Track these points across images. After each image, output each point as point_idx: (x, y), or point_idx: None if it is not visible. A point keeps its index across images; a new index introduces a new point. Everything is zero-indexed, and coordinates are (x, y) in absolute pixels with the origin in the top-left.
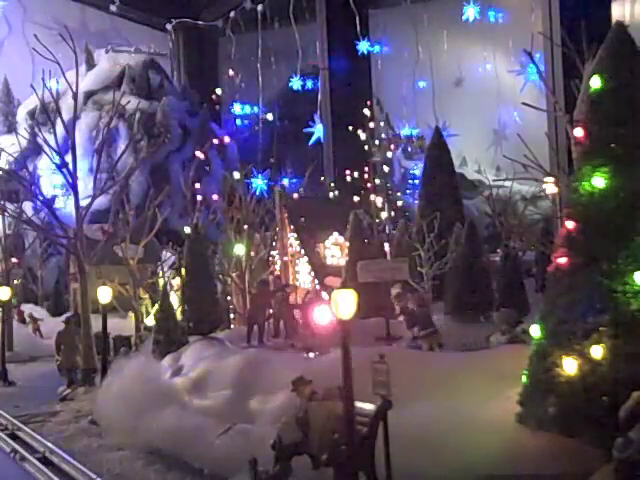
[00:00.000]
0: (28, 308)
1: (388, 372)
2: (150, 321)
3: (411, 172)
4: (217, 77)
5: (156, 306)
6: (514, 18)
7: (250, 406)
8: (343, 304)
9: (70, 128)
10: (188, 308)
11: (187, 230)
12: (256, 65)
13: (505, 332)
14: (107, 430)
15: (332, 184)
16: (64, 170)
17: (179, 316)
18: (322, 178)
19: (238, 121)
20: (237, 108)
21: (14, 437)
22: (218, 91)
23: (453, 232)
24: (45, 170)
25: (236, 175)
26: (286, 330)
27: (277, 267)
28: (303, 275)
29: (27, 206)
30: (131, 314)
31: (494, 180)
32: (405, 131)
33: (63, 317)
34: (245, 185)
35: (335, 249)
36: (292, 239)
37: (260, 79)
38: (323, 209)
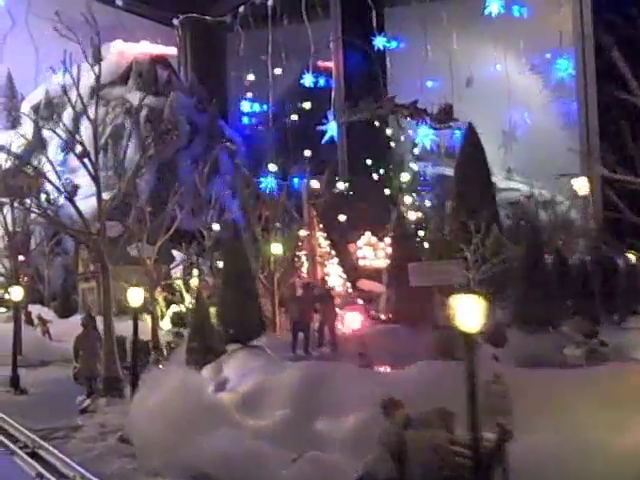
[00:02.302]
0: (35, 309)
1: (507, 395)
2: (166, 324)
3: (423, 173)
4: (224, 74)
5: (172, 309)
6: (538, 13)
7: (315, 429)
8: (468, 313)
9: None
10: (226, 313)
11: (216, 227)
12: (265, 62)
13: (580, 345)
14: (142, 450)
15: (347, 183)
16: (86, 160)
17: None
18: (336, 177)
19: (245, 119)
20: (246, 106)
21: (35, 456)
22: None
23: (491, 234)
24: (48, 166)
25: (273, 167)
26: (331, 338)
27: (304, 269)
28: (333, 277)
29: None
30: (145, 317)
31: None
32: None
33: (73, 319)
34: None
35: (368, 250)
36: (321, 239)
37: (271, 76)
38: (354, 208)
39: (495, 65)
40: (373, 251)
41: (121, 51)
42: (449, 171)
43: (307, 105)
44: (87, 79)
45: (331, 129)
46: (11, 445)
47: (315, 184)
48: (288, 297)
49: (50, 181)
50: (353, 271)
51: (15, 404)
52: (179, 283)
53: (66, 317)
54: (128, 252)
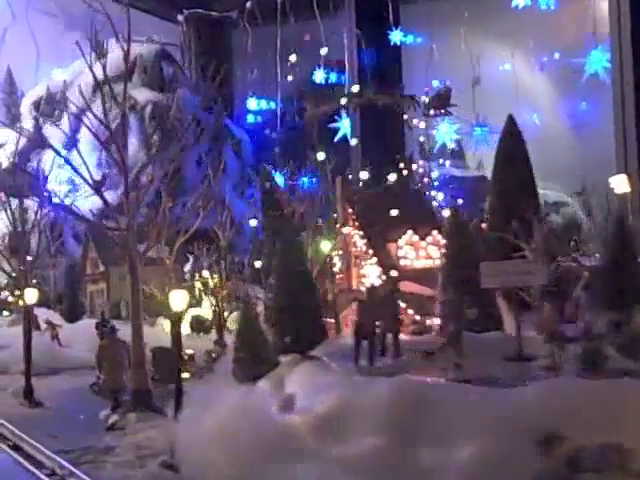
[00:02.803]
0: (41, 312)
1: None
2: (185, 329)
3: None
4: (230, 71)
5: (190, 312)
6: (565, 5)
7: (420, 462)
8: None
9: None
10: (281, 318)
11: (253, 223)
12: (272, 58)
13: None
14: None
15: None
16: (112, 147)
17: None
18: (349, 176)
19: (250, 117)
20: (252, 103)
21: None
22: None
23: (539, 232)
24: (49, 164)
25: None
26: (395, 347)
27: (336, 269)
28: (371, 279)
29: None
30: (163, 321)
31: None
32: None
33: (82, 323)
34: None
35: (409, 249)
36: (357, 237)
37: (279, 72)
38: (392, 204)
39: (510, 62)
40: (414, 251)
41: (125, 46)
42: (457, 172)
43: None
44: (89, 76)
45: (344, 127)
46: (37, 472)
47: (364, 175)
48: (348, 300)
49: (80, 173)
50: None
51: (31, 419)
52: (199, 285)
53: (73, 321)
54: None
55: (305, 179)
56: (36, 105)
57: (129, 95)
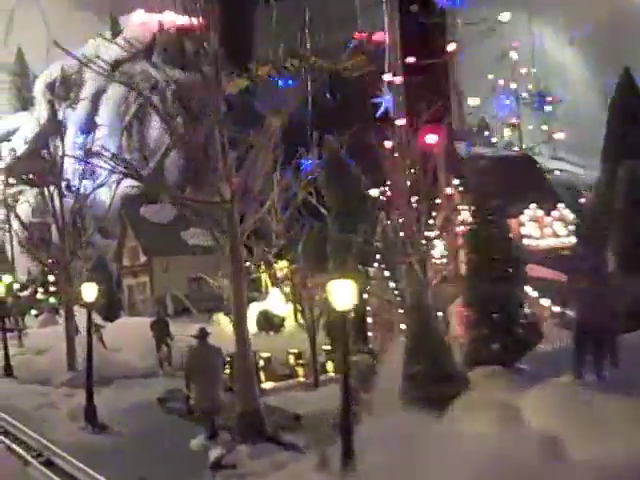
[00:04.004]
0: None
1: None
2: (251, 327)
3: None
4: (253, 49)
5: (254, 307)
6: None
7: None
8: None
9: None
10: (482, 319)
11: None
12: (297, 34)
13: None
14: None
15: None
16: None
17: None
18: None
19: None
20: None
21: None
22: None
23: None
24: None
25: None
26: (612, 350)
27: (435, 252)
28: None
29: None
30: (219, 317)
31: None
32: None
33: (122, 322)
34: None
35: (533, 227)
36: (466, 213)
37: (308, 47)
38: (508, 173)
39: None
40: (539, 229)
41: (143, 22)
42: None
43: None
44: (106, 53)
45: (386, 100)
46: None
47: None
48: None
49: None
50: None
51: (102, 451)
52: (264, 276)
53: (112, 320)
54: (185, 240)
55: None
56: (50, 87)
57: (150, 74)
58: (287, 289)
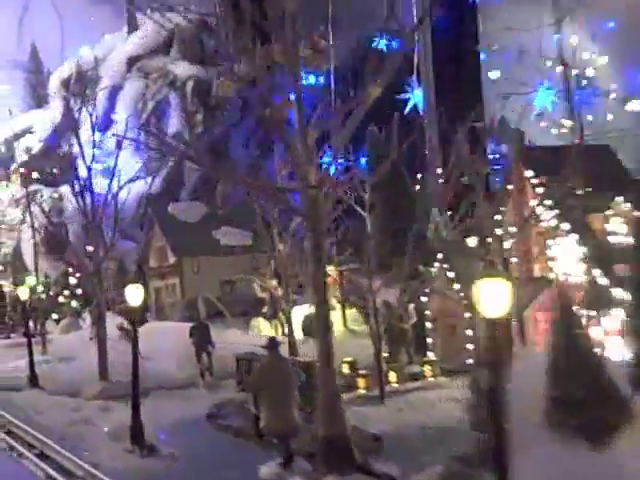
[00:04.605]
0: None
1: None
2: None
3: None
4: (271, 42)
5: (298, 310)
6: None
7: None
8: None
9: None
10: None
11: None
12: (319, 28)
13: None
14: None
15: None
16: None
17: None
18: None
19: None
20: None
21: None
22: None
23: None
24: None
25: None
26: None
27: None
28: (566, 262)
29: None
30: (259, 321)
31: None
32: None
33: (151, 327)
34: None
35: (618, 222)
36: (540, 209)
37: (331, 40)
38: (584, 164)
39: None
40: (626, 224)
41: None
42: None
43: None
44: (123, 50)
45: (416, 97)
46: None
47: None
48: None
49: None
50: (603, 253)
51: (154, 479)
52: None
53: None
54: (217, 239)
55: (363, 159)
56: (65, 84)
57: (168, 70)
58: (334, 292)
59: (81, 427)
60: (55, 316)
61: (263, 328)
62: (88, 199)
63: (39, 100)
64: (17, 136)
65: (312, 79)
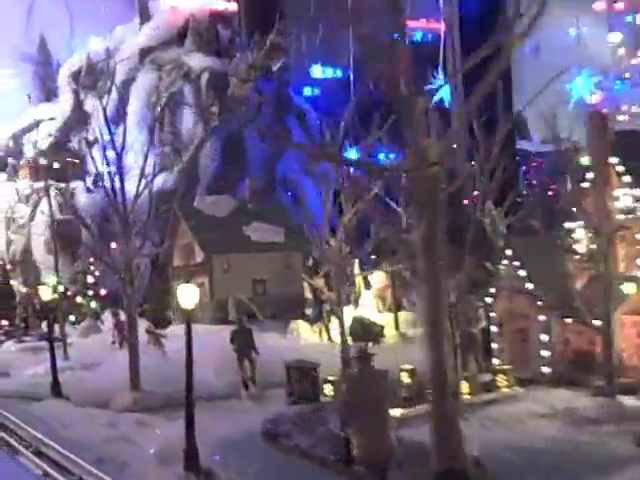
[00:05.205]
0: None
1: None
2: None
3: None
4: (286, 35)
5: (346, 313)
6: None
7: None
8: None
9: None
10: None
11: None
12: (334, 20)
13: None
14: None
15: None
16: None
17: None
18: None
19: (307, 90)
20: (317, 71)
21: None
22: None
23: None
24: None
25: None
26: None
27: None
28: None
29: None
30: (298, 324)
31: None
32: None
33: (179, 330)
34: None
35: None
36: (627, 200)
37: (350, 33)
38: None
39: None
40: None
41: (174, 7)
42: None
43: None
44: (135, 41)
45: (442, 91)
46: None
47: None
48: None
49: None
50: None
51: None
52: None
53: (163, 327)
54: (247, 236)
55: (382, 155)
56: (75, 76)
57: (182, 62)
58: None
59: (120, 446)
60: (72, 318)
61: (303, 331)
62: (119, 191)
63: (48, 93)
64: (25, 130)
65: None
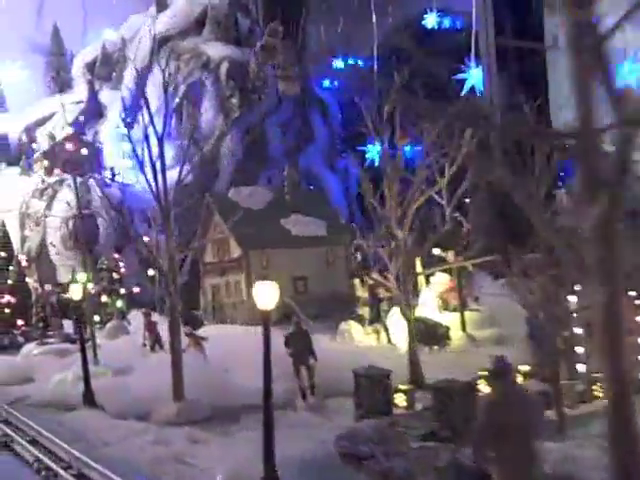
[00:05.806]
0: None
1: None
2: (400, 341)
3: None
4: (305, 25)
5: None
6: None
7: None
8: None
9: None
10: None
11: None
12: (351, 11)
13: None
14: None
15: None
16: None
17: None
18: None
19: (325, 82)
20: (338, 62)
21: None
22: None
23: None
24: (107, 136)
25: None
26: None
27: None
28: None
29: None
30: (351, 324)
31: None
32: None
33: (215, 331)
34: None
35: None
36: None
37: (375, 21)
38: None
39: None
40: None
41: None
42: None
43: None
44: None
45: (473, 77)
46: None
47: None
48: None
49: None
50: None
51: None
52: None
53: (195, 329)
54: (287, 230)
55: (408, 147)
56: (90, 67)
57: (200, 51)
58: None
59: (174, 468)
60: (97, 318)
61: (356, 333)
62: (160, 179)
63: (62, 84)
64: (39, 122)
65: None
